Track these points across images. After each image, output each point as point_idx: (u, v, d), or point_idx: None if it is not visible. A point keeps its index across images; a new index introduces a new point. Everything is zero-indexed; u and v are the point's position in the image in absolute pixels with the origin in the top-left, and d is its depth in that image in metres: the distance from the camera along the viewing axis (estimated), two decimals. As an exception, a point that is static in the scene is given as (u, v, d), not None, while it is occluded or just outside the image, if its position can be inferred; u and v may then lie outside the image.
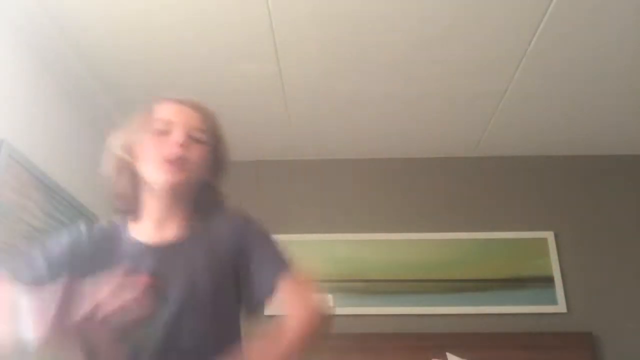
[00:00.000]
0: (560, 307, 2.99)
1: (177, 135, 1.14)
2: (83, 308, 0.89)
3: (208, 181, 1.21)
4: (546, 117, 2.98)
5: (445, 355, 2.71)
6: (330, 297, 3.12)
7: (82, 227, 1.19)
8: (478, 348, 2.74)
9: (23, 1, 2.12)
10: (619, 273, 3.05)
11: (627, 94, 2.75)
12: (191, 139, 1.16)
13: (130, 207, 1.19)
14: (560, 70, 2.57)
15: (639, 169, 3.30)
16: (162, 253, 1.12)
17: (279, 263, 1.14)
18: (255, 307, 1.13)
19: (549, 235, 3.14)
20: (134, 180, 1.17)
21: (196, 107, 1.23)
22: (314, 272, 1.14)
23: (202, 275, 1.09)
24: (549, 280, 3.04)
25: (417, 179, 3.33)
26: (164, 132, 1.16)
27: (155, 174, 1.13)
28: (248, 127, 3.08)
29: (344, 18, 2.24)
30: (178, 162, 1.12)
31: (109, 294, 0.90)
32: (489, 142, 3.21)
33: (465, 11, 2.20)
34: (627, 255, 3.09)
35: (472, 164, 3.36)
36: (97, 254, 1.12)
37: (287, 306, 1.07)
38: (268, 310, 1.11)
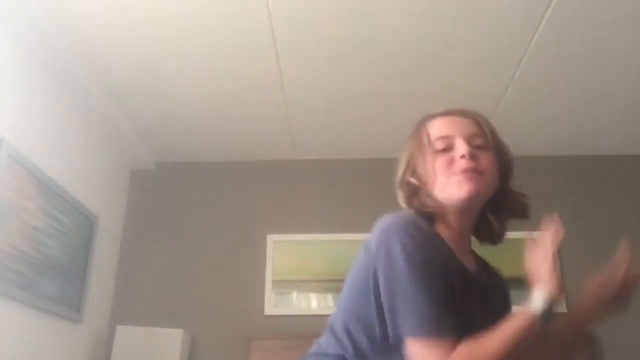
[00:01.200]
0: (560, 307, 2.98)
1: (461, 148, 1.08)
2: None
3: (501, 188, 1.15)
4: (546, 117, 2.98)
5: (446, 355, 2.71)
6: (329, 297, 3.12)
7: (427, 240, 1.04)
8: (478, 348, 2.74)
9: (22, 1, 2.12)
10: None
11: (627, 94, 2.75)
12: (474, 147, 1.10)
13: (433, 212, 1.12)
14: (560, 70, 2.57)
15: (639, 169, 3.30)
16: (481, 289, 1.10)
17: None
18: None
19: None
20: (431, 200, 1.11)
21: (466, 114, 1.20)
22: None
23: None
24: (549, 280, 3.04)
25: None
26: (445, 149, 1.10)
27: (453, 188, 1.07)
28: (248, 127, 3.08)
29: (344, 18, 2.24)
30: (473, 172, 1.07)
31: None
32: (489, 142, 3.21)
33: (465, 11, 2.20)
34: (627, 255, 3.09)
35: (472, 164, 3.36)
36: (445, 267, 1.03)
37: None
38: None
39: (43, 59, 2.37)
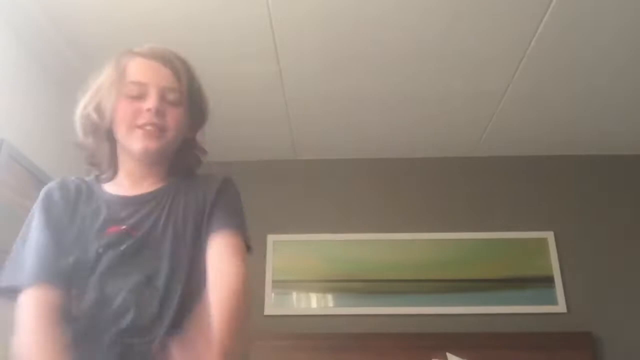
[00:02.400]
0: (560, 307, 2.99)
1: (150, 102, 1.09)
2: None
3: (187, 139, 1.18)
4: (546, 117, 2.98)
5: (445, 355, 2.71)
6: (329, 296, 3.13)
7: (55, 193, 1.15)
8: (478, 348, 2.74)
9: (23, 2, 2.12)
10: (619, 273, 3.05)
11: (627, 94, 2.75)
12: (166, 102, 1.11)
13: (105, 168, 1.17)
14: (560, 71, 2.57)
15: (639, 169, 3.30)
16: (139, 202, 1.11)
17: (234, 219, 1.12)
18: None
19: (549, 235, 3.14)
20: (109, 141, 1.15)
21: (168, 62, 1.19)
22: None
23: (182, 222, 1.09)
24: (549, 280, 3.04)
25: (417, 179, 3.33)
26: (137, 97, 1.10)
27: (130, 141, 1.10)
28: (248, 127, 3.08)
29: (344, 18, 2.24)
30: (153, 130, 1.08)
31: None
32: (489, 142, 3.21)
33: (465, 11, 2.20)
34: (627, 255, 3.09)
35: (472, 164, 3.36)
36: (76, 214, 1.10)
37: (214, 261, 1.05)
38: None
39: (43, 58, 2.37)
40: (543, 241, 3.13)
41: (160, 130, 1.09)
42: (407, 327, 2.89)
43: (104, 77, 1.17)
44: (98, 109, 1.14)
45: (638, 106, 2.86)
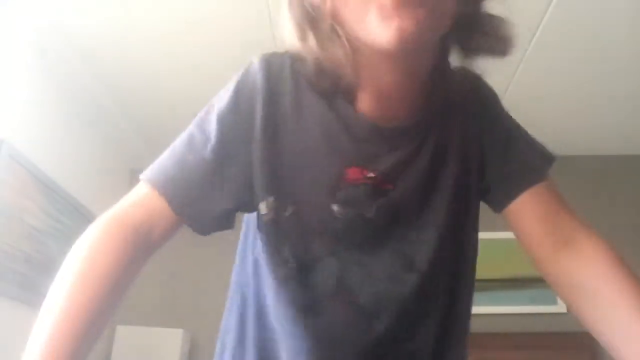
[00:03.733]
0: (560, 307, 2.99)
1: None
2: None
3: (466, 10, 0.68)
4: (546, 117, 2.98)
5: (445, 355, 2.71)
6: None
7: (259, 75, 0.72)
8: (478, 348, 2.73)
9: (23, 2, 2.12)
10: (619, 273, 3.05)
11: (627, 94, 2.75)
12: None
13: (340, 84, 0.68)
14: (560, 71, 2.57)
15: (639, 169, 3.29)
16: (395, 137, 0.70)
17: (531, 158, 0.79)
18: (497, 206, 0.77)
19: (549, 235, 3.14)
20: (339, 41, 0.65)
21: None
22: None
23: (450, 186, 0.73)
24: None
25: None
26: None
27: (374, 26, 0.60)
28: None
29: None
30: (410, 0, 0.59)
31: None
32: (489, 142, 3.21)
33: (465, 11, 2.20)
34: (627, 255, 3.08)
35: (472, 164, 3.36)
36: (293, 120, 0.69)
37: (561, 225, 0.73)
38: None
39: (43, 59, 2.37)
40: (543, 241, 3.13)
41: None
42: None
43: None
44: None
45: (637, 106, 2.86)
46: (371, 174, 0.69)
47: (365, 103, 0.70)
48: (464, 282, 0.77)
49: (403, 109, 0.70)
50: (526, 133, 0.81)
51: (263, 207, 0.69)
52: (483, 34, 0.71)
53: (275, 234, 0.69)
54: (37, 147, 2.36)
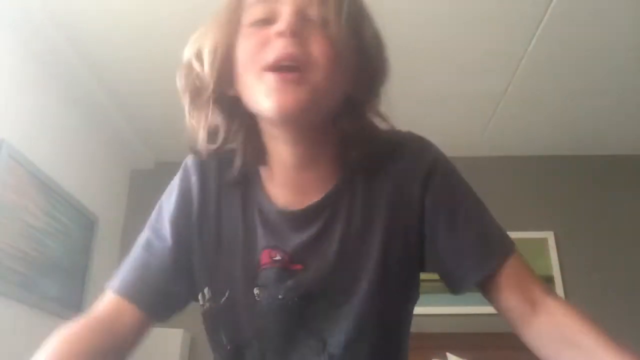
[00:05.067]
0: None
1: (282, 21, 0.65)
2: None
3: (353, 96, 0.71)
4: (546, 117, 2.98)
5: (445, 355, 2.71)
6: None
7: (194, 176, 0.77)
8: (478, 348, 2.74)
9: (23, 2, 2.12)
10: (619, 273, 3.05)
11: (627, 94, 2.75)
12: (307, 21, 0.66)
13: (242, 156, 0.74)
14: (560, 71, 2.57)
15: (639, 169, 3.30)
16: (301, 219, 0.73)
17: (497, 233, 0.75)
18: (457, 289, 0.75)
19: (549, 235, 3.14)
20: (236, 112, 0.72)
21: None
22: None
23: (372, 260, 0.71)
24: (549, 280, 3.04)
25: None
26: (265, 21, 0.67)
27: (259, 96, 0.66)
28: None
29: (344, 18, 2.24)
30: (289, 69, 0.64)
31: None
32: (489, 142, 3.21)
33: (465, 11, 2.20)
34: (627, 255, 3.09)
35: (472, 164, 3.35)
36: (219, 215, 0.75)
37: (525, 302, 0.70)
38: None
39: (44, 59, 2.37)
40: (543, 241, 3.13)
41: (300, 64, 0.64)
42: (407, 327, 2.89)
43: (220, 11, 0.78)
44: (205, 54, 0.73)
45: (638, 106, 2.86)
46: (278, 257, 0.72)
47: (275, 189, 0.74)
48: (394, 353, 0.77)
49: (311, 192, 0.73)
50: (484, 207, 0.79)
51: (200, 298, 0.76)
52: (355, 126, 0.73)
53: (212, 320, 0.76)
54: (37, 147, 2.36)
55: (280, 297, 0.71)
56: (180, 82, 0.77)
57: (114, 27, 2.30)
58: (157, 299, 0.73)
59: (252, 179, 0.76)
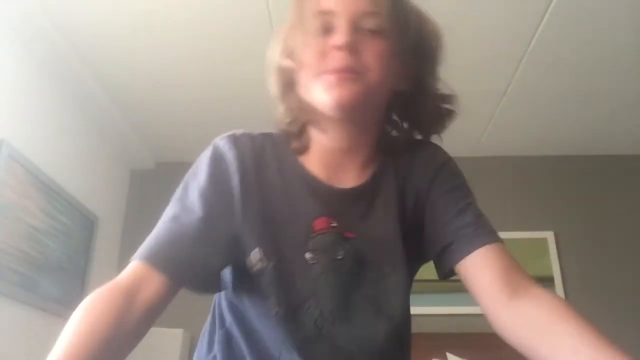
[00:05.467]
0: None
1: (339, 36, 0.75)
2: None
3: (403, 92, 0.83)
4: (546, 117, 2.98)
5: (445, 355, 2.71)
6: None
7: (230, 154, 0.82)
8: (478, 348, 2.73)
9: (23, 2, 2.12)
10: (619, 273, 3.05)
11: (627, 94, 2.75)
12: (361, 31, 0.77)
13: (298, 138, 0.86)
14: (560, 70, 2.57)
15: (639, 169, 3.30)
16: (344, 197, 0.82)
17: (489, 224, 0.82)
18: (447, 266, 0.82)
19: (549, 235, 3.14)
20: (301, 100, 0.83)
21: None
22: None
23: (394, 238, 0.81)
24: (549, 280, 3.04)
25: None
26: (325, 29, 0.78)
27: (318, 92, 0.77)
28: (248, 127, 3.08)
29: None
30: (347, 72, 0.75)
31: None
32: (489, 142, 3.21)
33: (465, 11, 2.20)
34: (627, 255, 3.09)
35: (472, 164, 3.35)
36: (260, 186, 0.80)
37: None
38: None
39: (44, 60, 2.37)
40: (543, 241, 3.13)
41: (354, 73, 0.75)
42: (407, 327, 2.89)
43: (292, 14, 0.86)
44: (288, 54, 0.83)
45: (638, 106, 2.86)
46: (335, 224, 0.79)
47: (316, 168, 0.83)
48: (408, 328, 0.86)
49: (352, 172, 0.83)
50: (479, 208, 0.86)
51: (251, 260, 0.77)
52: (421, 110, 0.87)
53: (265, 280, 0.77)
54: (37, 147, 2.36)
55: (339, 257, 0.78)
56: (275, 76, 0.86)
57: (113, 28, 2.30)
58: (184, 266, 0.74)
59: (286, 158, 0.84)
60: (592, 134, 3.14)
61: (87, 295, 0.70)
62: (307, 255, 0.78)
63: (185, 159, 3.88)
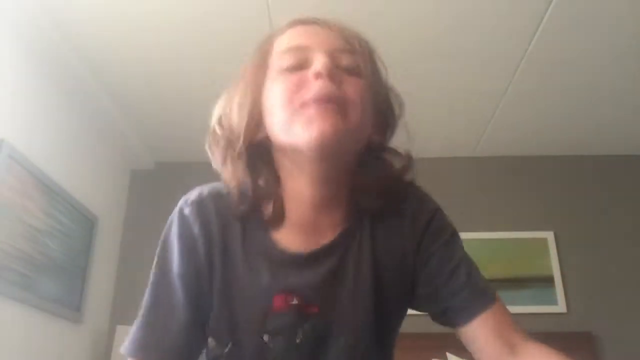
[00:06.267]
0: (560, 307, 2.99)
1: (319, 63, 0.70)
2: None
3: (375, 142, 0.78)
4: (546, 117, 2.98)
5: (445, 355, 2.71)
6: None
7: (195, 227, 0.75)
8: (478, 348, 2.74)
9: (23, 2, 2.12)
10: (619, 273, 3.05)
11: (627, 93, 2.75)
12: (339, 68, 0.72)
13: (259, 210, 0.75)
14: (559, 71, 2.57)
15: (639, 169, 3.30)
16: (315, 259, 0.75)
17: (483, 281, 0.80)
18: (444, 325, 0.82)
19: (549, 235, 3.14)
20: (261, 160, 0.75)
21: (333, 25, 0.82)
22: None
23: (376, 299, 0.77)
24: (548, 280, 3.04)
25: (417, 179, 3.33)
26: (297, 67, 0.72)
27: (295, 130, 0.69)
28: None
29: (343, 17, 2.24)
30: (327, 103, 0.68)
31: None
32: (489, 142, 3.21)
33: (465, 11, 2.20)
34: (627, 255, 3.09)
35: (472, 164, 3.36)
36: (225, 262, 0.75)
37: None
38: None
39: (44, 60, 2.37)
40: (543, 241, 3.13)
41: (340, 102, 0.69)
42: (407, 327, 2.87)
43: (247, 66, 0.81)
44: (234, 106, 0.78)
45: (638, 106, 2.86)
46: (295, 301, 0.72)
47: (284, 229, 0.75)
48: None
49: (324, 227, 0.76)
50: (471, 260, 0.84)
51: (209, 346, 0.76)
52: (376, 166, 0.78)
53: None
54: (37, 147, 2.36)
55: (298, 341, 0.72)
56: (211, 141, 0.79)
57: (113, 28, 2.30)
58: (173, 352, 0.74)
59: (253, 218, 0.75)
60: (592, 134, 3.14)
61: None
62: (265, 338, 0.73)
63: (185, 159, 3.93)
